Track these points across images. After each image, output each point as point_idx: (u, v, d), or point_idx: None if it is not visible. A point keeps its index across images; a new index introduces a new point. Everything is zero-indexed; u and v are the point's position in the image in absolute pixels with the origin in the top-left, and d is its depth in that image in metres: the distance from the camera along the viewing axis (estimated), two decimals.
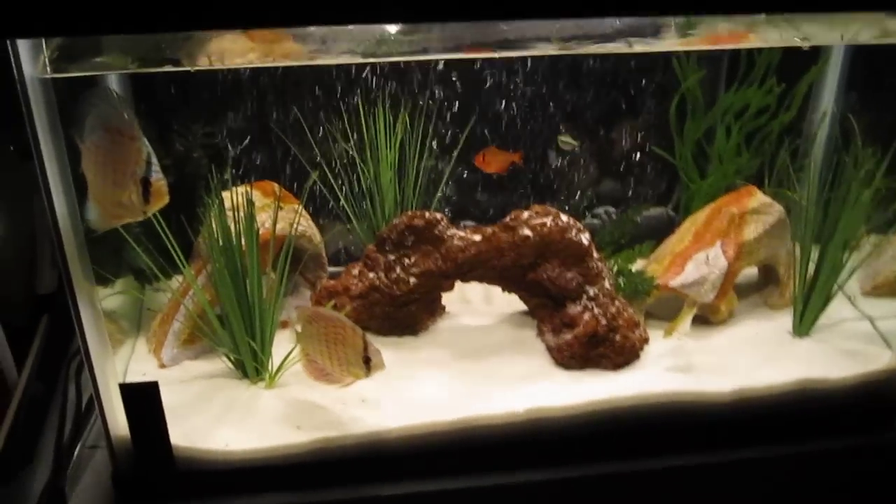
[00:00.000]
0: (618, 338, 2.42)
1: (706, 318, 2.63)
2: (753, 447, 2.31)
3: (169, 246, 2.27)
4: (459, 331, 2.67)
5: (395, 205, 2.83)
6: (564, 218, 2.52)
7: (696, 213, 2.79)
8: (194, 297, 2.40)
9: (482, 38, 2.02)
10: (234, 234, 2.28)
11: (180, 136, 2.70)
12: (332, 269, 2.79)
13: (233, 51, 1.92)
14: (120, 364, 2.40)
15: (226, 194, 2.34)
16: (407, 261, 2.55)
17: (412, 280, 2.53)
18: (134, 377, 2.37)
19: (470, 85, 2.92)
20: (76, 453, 2.28)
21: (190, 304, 2.42)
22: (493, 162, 2.81)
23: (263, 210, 2.51)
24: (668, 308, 2.61)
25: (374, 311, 2.58)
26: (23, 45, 1.70)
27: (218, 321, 2.35)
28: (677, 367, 2.42)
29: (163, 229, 2.23)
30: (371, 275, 2.58)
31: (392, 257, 2.57)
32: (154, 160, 1.81)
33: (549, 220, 2.50)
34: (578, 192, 3.16)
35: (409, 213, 2.57)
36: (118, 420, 2.07)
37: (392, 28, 1.92)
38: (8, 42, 1.67)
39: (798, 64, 2.79)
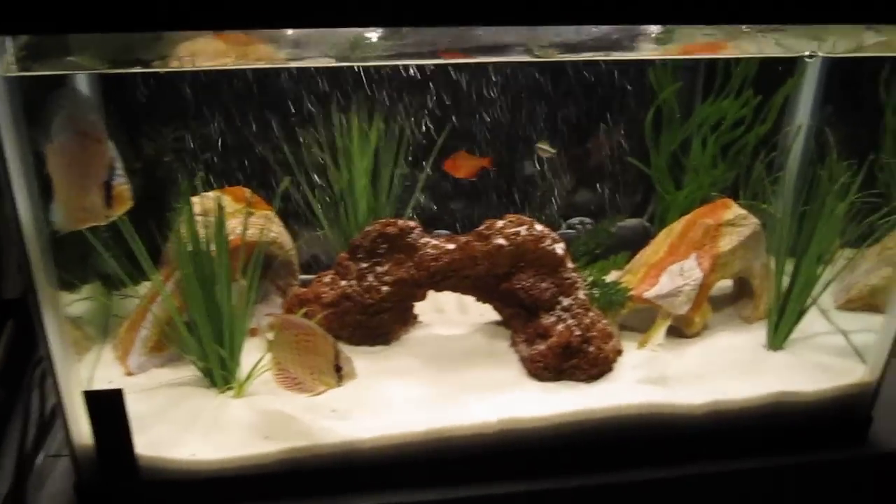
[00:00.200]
0: (591, 349, 2.40)
1: (680, 331, 2.62)
2: (726, 460, 2.31)
3: (137, 251, 2.23)
4: (432, 340, 2.64)
5: (369, 212, 2.80)
6: (539, 227, 2.51)
7: (671, 225, 2.78)
8: (162, 303, 2.36)
9: (457, 44, 2.01)
10: (203, 240, 2.25)
11: (150, 139, 2.66)
12: (303, 276, 2.76)
13: (205, 53, 1.90)
14: (86, 371, 2.36)
15: (196, 200, 2.31)
16: (379, 269, 2.52)
17: (384, 288, 2.51)
18: (100, 384, 2.33)
19: (445, 92, 2.90)
20: (38, 462, 2.24)
21: (158, 310, 2.39)
22: (463, 167, 2.79)
23: (234, 216, 2.47)
24: (642, 320, 2.59)
25: (345, 320, 2.55)
26: None
27: (186, 328, 2.31)
28: (651, 379, 2.40)
29: (131, 234, 2.20)
30: (343, 283, 2.55)
31: (364, 265, 2.54)
32: (118, 164, 1.79)
33: (523, 230, 2.48)
34: (554, 202, 3.15)
35: (383, 220, 2.55)
36: (82, 428, 2.03)
37: (367, 32, 1.90)
38: None
39: (774, 76, 2.79)
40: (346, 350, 2.12)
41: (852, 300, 2.83)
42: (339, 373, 2.08)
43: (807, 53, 2.18)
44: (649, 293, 2.55)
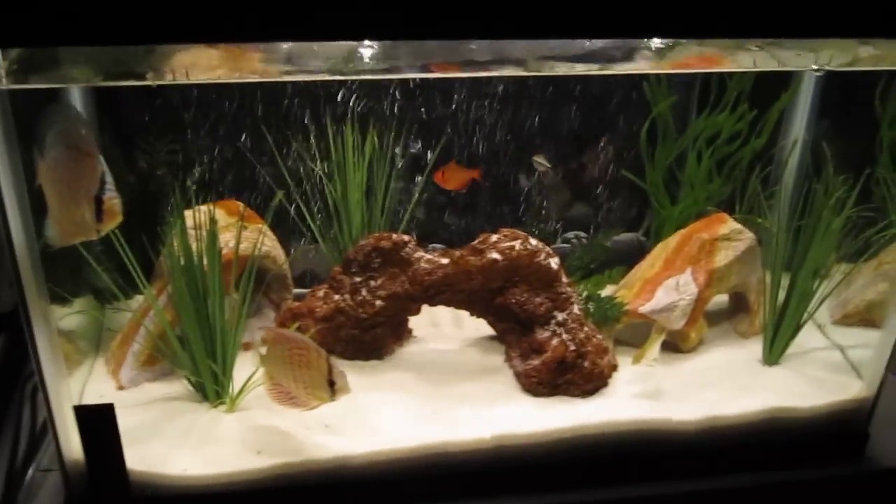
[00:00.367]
0: (586, 364, 2.39)
1: (676, 346, 2.61)
2: (722, 477, 2.29)
3: (129, 265, 2.22)
4: (426, 355, 2.63)
5: (363, 226, 2.79)
6: (533, 242, 2.50)
7: (666, 239, 2.78)
8: (155, 317, 2.35)
9: (452, 58, 2.00)
10: (196, 254, 2.24)
11: (143, 152, 2.65)
12: (297, 290, 2.75)
13: (197, 66, 1.89)
14: (77, 385, 2.35)
15: (189, 213, 2.30)
16: (373, 283, 2.51)
17: (378, 303, 2.50)
18: (91, 398, 2.31)
19: (439, 106, 2.90)
20: (29, 477, 2.22)
21: (150, 324, 2.37)
22: (453, 179, 2.78)
23: (227, 229, 2.47)
24: (637, 334, 2.58)
25: (339, 335, 2.53)
26: None
27: (178, 342, 2.30)
28: (646, 394, 2.39)
29: (123, 248, 2.19)
30: (336, 297, 2.54)
31: (358, 279, 2.53)
32: (108, 178, 1.78)
33: (517, 244, 2.47)
34: (549, 217, 3.14)
35: (376, 234, 2.54)
36: (72, 443, 2.01)
37: (361, 46, 1.90)
38: None
39: (770, 90, 2.79)
40: (340, 364, 2.11)
41: (849, 315, 2.83)
42: (333, 387, 2.06)
43: (814, 67, 2.17)
44: (645, 308, 2.55)
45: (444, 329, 2.79)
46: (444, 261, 2.47)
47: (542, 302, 2.48)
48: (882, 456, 2.38)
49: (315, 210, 2.78)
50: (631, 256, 2.92)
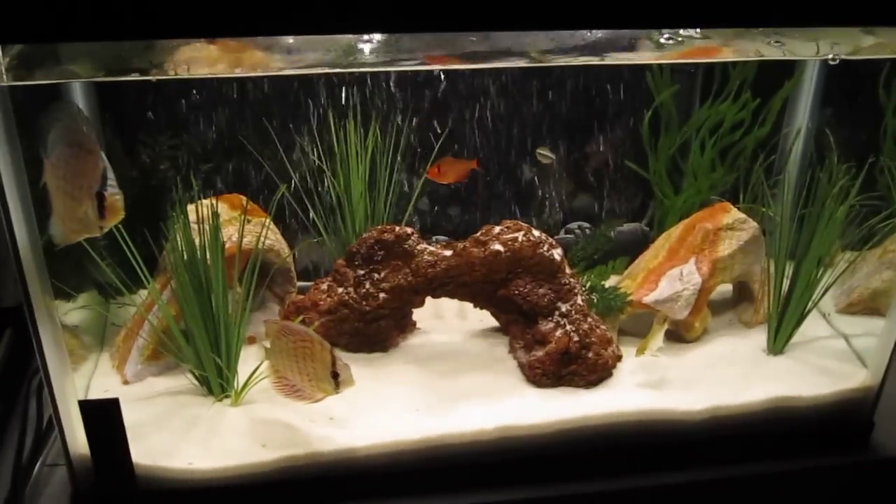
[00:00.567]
0: (590, 355, 2.39)
1: (680, 336, 2.61)
2: (727, 466, 2.29)
3: (133, 260, 2.22)
4: (430, 347, 2.63)
5: (366, 219, 2.79)
6: (536, 233, 2.50)
7: (670, 229, 2.78)
8: (159, 312, 2.36)
9: (454, 50, 2.00)
10: (199, 248, 2.24)
11: (146, 147, 2.65)
12: (301, 283, 2.75)
13: (198, 60, 1.89)
14: (82, 380, 2.35)
15: (192, 207, 2.30)
16: (377, 276, 2.51)
17: (382, 295, 2.50)
18: (96, 393, 2.32)
19: (442, 98, 2.90)
20: (35, 471, 2.22)
21: (154, 319, 2.38)
22: (449, 172, 2.75)
23: (230, 223, 2.47)
24: (641, 325, 2.58)
25: (343, 327, 2.54)
26: None
27: (183, 337, 2.30)
28: (650, 384, 2.39)
29: (126, 243, 2.19)
30: (340, 290, 2.54)
31: (362, 272, 2.53)
32: (110, 174, 1.77)
33: (520, 236, 2.47)
34: (552, 207, 3.14)
35: (379, 227, 2.54)
36: (78, 438, 2.02)
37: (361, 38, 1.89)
38: None
39: (773, 79, 2.78)
40: (344, 357, 2.11)
41: (853, 304, 2.82)
42: (337, 380, 2.06)
43: (830, 56, 2.17)
44: (649, 298, 2.55)
45: (448, 321, 2.79)
46: (447, 253, 2.47)
47: (545, 293, 2.48)
48: (887, 445, 2.38)
49: (318, 203, 2.78)
50: (634, 247, 2.92)
